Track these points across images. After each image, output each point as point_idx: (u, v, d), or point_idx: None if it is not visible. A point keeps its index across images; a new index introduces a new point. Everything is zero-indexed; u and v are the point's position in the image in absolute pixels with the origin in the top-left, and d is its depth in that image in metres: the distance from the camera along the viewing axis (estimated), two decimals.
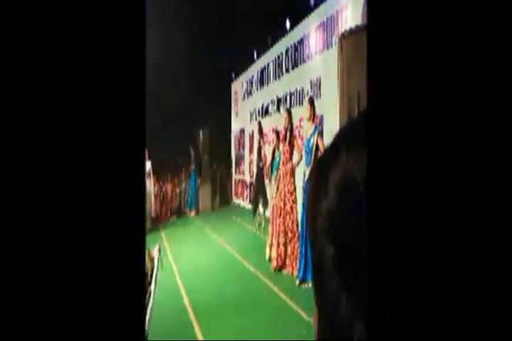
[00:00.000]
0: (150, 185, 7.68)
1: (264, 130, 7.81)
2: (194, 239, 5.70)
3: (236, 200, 10.65)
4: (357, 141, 0.31)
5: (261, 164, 5.93)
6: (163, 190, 9.04)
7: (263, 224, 5.94)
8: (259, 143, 6.19)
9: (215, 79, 11.07)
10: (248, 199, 9.24)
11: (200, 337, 2.88)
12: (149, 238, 5.86)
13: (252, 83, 9.05)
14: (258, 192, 5.93)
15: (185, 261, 4.99)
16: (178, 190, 9.22)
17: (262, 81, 8.09)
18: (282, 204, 4.27)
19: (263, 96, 7.97)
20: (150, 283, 1.64)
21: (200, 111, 10.83)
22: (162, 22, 9.77)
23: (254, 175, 5.98)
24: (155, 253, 1.75)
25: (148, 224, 7.20)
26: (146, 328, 1.55)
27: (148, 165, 7.42)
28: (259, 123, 6.70)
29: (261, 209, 6.16)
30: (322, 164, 0.33)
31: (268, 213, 5.66)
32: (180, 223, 8.25)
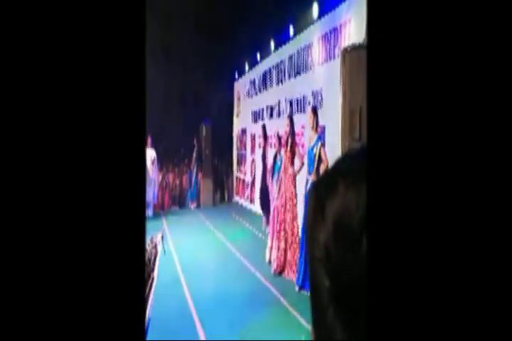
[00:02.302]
0: (154, 172, 7.73)
1: (267, 132, 7.95)
2: (194, 230, 5.83)
3: (236, 199, 10.75)
4: (357, 176, 0.29)
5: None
6: (166, 178, 9.15)
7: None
8: (264, 148, 6.17)
9: (219, 77, 11.10)
10: (249, 199, 9.39)
11: (198, 324, 3.06)
12: (151, 224, 6.17)
13: (254, 85, 9.13)
14: (264, 198, 6.01)
15: (185, 250, 5.17)
16: (178, 181, 9.34)
17: (265, 84, 8.19)
18: (283, 209, 4.41)
19: (265, 99, 8.07)
20: (153, 269, 1.63)
21: (204, 106, 10.86)
22: (166, 21, 9.83)
23: (261, 181, 6.01)
24: (158, 239, 1.74)
25: (150, 211, 7.36)
26: (149, 314, 1.56)
27: (153, 153, 7.52)
28: (264, 127, 6.78)
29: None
30: (319, 189, 0.32)
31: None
32: (181, 213, 8.36)
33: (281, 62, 6.99)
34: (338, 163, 0.32)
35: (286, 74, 6.75)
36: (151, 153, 7.52)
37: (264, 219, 6.03)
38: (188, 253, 5.08)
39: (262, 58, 8.59)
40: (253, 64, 9.26)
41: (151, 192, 7.49)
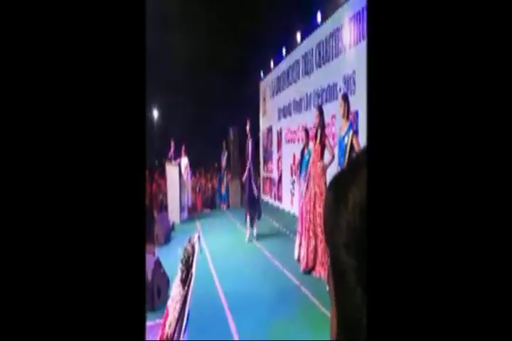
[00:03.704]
0: (187, 177, 8.29)
1: (293, 127, 7.71)
2: (224, 230, 6.00)
3: (264, 197, 10.62)
4: None
5: (253, 178, 5.81)
6: (198, 183, 9.80)
7: (251, 239, 5.85)
8: (250, 161, 5.82)
9: (244, 79, 11.07)
10: (276, 197, 9.18)
11: (230, 318, 3.12)
12: (186, 226, 6.99)
13: (280, 80, 8.92)
14: (250, 207, 5.84)
15: (217, 249, 5.31)
16: (210, 185, 9.93)
17: (292, 78, 7.96)
18: (312, 205, 4.17)
19: (292, 93, 7.83)
20: (191, 266, 1.76)
21: (230, 110, 10.96)
22: (187, 21, 9.82)
23: (247, 190, 5.82)
24: (195, 239, 1.87)
25: (185, 214, 7.90)
26: (188, 308, 1.68)
27: (186, 159, 8.10)
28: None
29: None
30: (340, 179, 0.33)
31: (255, 229, 5.83)
32: (212, 214, 8.78)
33: (308, 52, 6.74)
34: (362, 153, 0.33)
35: (314, 64, 6.50)
36: (184, 160, 8.08)
37: (248, 218, 5.91)
38: (219, 252, 5.19)
39: (287, 52, 8.37)
40: (278, 60, 9.07)
41: (186, 197, 8.04)
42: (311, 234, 4.18)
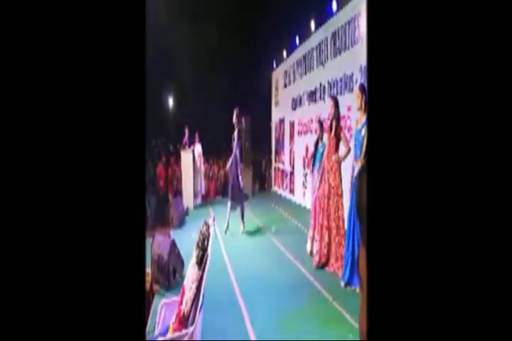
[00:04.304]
0: (201, 164, 8.37)
1: (306, 119, 7.56)
2: (236, 218, 5.95)
3: (275, 189, 10.54)
4: None
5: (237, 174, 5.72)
6: (211, 170, 9.85)
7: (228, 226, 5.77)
8: (236, 155, 5.76)
9: (256, 69, 10.91)
10: (288, 189, 9.10)
11: (242, 303, 3.17)
12: (200, 212, 7.34)
13: (294, 70, 8.74)
14: (233, 197, 5.77)
15: (228, 236, 5.52)
16: (223, 172, 9.95)
17: (305, 68, 7.77)
18: (326, 199, 4.08)
19: (306, 84, 7.66)
20: (207, 248, 1.83)
21: (242, 100, 10.90)
22: (198, 10, 9.66)
23: (231, 179, 5.78)
24: (210, 222, 1.93)
25: (199, 200, 8.16)
26: (203, 290, 1.73)
27: (199, 147, 8.17)
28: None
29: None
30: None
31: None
32: (224, 202, 8.89)
33: (323, 41, 6.55)
34: None
35: (329, 54, 6.31)
36: (198, 147, 8.14)
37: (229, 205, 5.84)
38: (230, 239, 5.35)
39: (301, 42, 8.16)
40: (292, 49, 8.87)
41: (199, 183, 8.16)
42: (324, 228, 4.10)
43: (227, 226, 5.71)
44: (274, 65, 10.80)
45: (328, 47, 6.32)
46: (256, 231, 5.90)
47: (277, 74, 10.53)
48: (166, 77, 11.26)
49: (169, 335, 1.76)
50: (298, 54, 8.30)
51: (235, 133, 5.66)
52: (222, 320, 2.83)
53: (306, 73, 7.75)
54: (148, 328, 2.50)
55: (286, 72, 9.55)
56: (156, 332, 2.03)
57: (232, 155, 5.68)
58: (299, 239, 5.10)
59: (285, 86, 9.69)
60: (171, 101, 14.00)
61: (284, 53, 9.57)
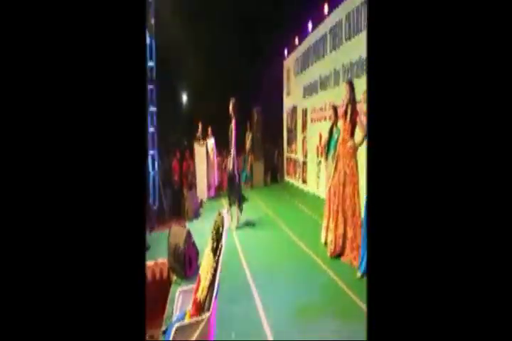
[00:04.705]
0: (214, 157, 8.57)
1: (320, 105, 7.36)
2: (248, 209, 6.05)
3: (287, 179, 10.42)
4: None
5: (234, 169, 5.56)
6: (224, 163, 9.92)
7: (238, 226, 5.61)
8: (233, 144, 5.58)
9: (267, 58, 10.73)
10: (301, 179, 8.96)
11: (255, 293, 3.14)
12: (214, 203, 7.52)
13: (306, 57, 8.50)
14: (232, 192, 5.61)
15: (242, 227, 5.48)
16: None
17: (319, 53, 7.54)
18: (341, 187, 3.92)
19: (319, 70, 7.43)
20: (221, 238, 1.87)
21: (253, 90, 10.76)
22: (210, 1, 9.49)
23: (228, 180, 5.65)
24: (224, 213, 1.97)
25: (212, 192, 8.42)
26: (218, 279, 1.79)
27: (212, 140, 8.39)
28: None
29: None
30: None
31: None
32: None
33: (337, 24, 6.30)
34: None
35: (344, 37, 6.07)
36: (211, 141, 8.32)
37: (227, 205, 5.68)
38: (243, 230, 5.34)
39: (314, 27, 7.91)
40: (304, 36, 8.62)
41: (212, 175, 8.42)
42: (339, 217, 3.96)
43: (237, 221, 5.57)
44: (286, 54, 10.56)
45: (343, 30, 6.08)
46: (268, 222, 5.84)
47: (289, 63, 10.30)
48: (178, 74, 11.26)
49: (186, 320, 1.83)
50: (311, 39, 8.05)
51: (232, 124, 5.48)
52: (236, 309, 2.82)
53: (319, 58, 7.51)
54: (166, 314, 2.70)
55: (297, 59, 9.32)
56: (174, 317, 2.10)
57: (231, 147, 5.54)
58: (312, 229, 5.00)
59: (297, 74, 9.46)
60: (184, 98, 14.08)
61: (296, 40, 9.33)
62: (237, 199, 5.56)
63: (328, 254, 4.02)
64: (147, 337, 2.95)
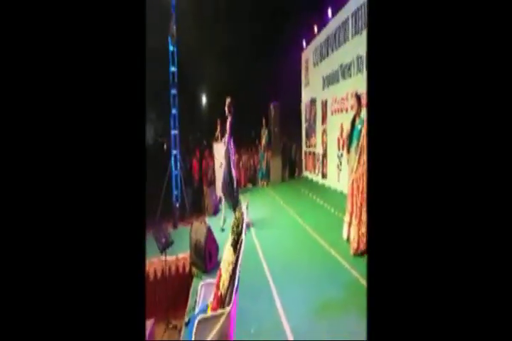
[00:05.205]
0: (232, 154, 8.52)
1: (341, 95, 7.02)
2: (265, 205, 6.21)
3: (306, 174, 10.14)
4: None
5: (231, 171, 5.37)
6: (241, 159, 10.16)
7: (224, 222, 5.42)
8: (229, 151, 5.36)
9: (284, 51, 10.45)
10: (320, 173, 8.66)
11: (275, 291, 3.06)
12: None
13: (326, 45, 8.14)
14: (226, 193, 5.40)
15: (260, 223, 5.41)
16: (252, 161, 10.28)
17: (339, 40, 7.18)
18: (365, 181, 3.64)
19: (340, 58, 7.08)
20: (241, 232, 1.91)
21: (270, 84, 10.58)
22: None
23: (223, 184, 5.41)
24: (244, 208, 2.00)
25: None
26: (238, 274, 1.83)
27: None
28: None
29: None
30: None
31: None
32: (253, 190, 9.26)
33: (361, 7, 5.94)
34: None
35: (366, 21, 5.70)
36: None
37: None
38: (262, 226, 5.25)
39: (333, 14, 7.54)
40: (323, 24, 8.26)
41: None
42: (363, 213, 3.68)
43: (224, 220, 5.40)
44: (304, 45, 10.23)
45: (365, 13, 5.72)
46: (287, 219, 5.69)
47: (307, 54, 9.97)
48: (198, 76, 11.25)
49: (208, 313, 1.89)
50: (331, 26, 7.70)
51: (227, 124, 5.30)
52: (256, 306, 2.78)
53: (340, 46, 7.15)
54: (189, 307, 2.85)
55: (316, 49, 8.97)
56: (196, 310, 2.18)
57: (227, 148, 5.35)
58: (333, 225, 4.78)
59: (315, 64, 9.12)
60: (203, 98, 14.09)
61: (315, 29, 8.97)
62: (233, 203, 5.41)
63: (351, 252, 3.76)
64: (171, 327, 3.12)
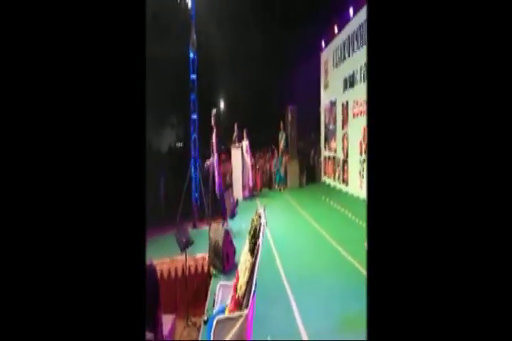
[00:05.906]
0: (249, 159, 8.82)
1: (364, 97, 6.64)
2: (281, 209, 6.08)
3: (324, 179, 9.76)
4: None
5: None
6: (258, 163, 10.07)
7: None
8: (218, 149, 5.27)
9: (303, 53, 10.18)
10: (341, 179, 8.26)
11: (291, 296, 3.02)
12: (248, 203, 7.59)
13: (347, 45, 7.80)
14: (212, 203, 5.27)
15: (276, 227, 5.23)
16: (268, 165, 10.15)
17: (361, 40, 6.83)
18: None
19: (362, 58, 6.73)
20: (259, 237, 1.90)
21: (288, 88, 10.34)
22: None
23: (218, 193, 5.42)
24: (262, 212, 1.98)
25: (247, 192, 8.53)
26: (255, 279, 1.83)
27: (247, 142, 8.59)
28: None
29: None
30: None
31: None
32: (270, 194, 9.09)
33: None
34: None
35: None
36: (245, 143, 8.57)
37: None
38: (276, 229, 5.13)
39: (355, 11, 7.21)
40: (344, 23, 7.94)
41: (246, 176, 8.63)
42: None
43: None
44: (323, 45, 9.91)
45: None
46: (304, 226, 5.43)
47: (326, 55, 9.65)
48: (216, 82, 11.19)
49: (226, 314, 1.92)
50: (352, 25, 7.36)
51: (213, 135, 5.25)
52: (273, 312, 2.74)
53: (362, 45, 6.80)
54: (207, 306, 2.94)
55: (336, 50, 8.63)
56: (215, 309, 2.20)
57: (211, 159, 5.29)
58: (354, 233, 4.52)
59: (335, 66, 8.78)
60: (222, 103, 14.04)
61: (336, 29, 8.65)
62: (222, 212, 5.42)
63: None
64: (191, 324, 3.21)
